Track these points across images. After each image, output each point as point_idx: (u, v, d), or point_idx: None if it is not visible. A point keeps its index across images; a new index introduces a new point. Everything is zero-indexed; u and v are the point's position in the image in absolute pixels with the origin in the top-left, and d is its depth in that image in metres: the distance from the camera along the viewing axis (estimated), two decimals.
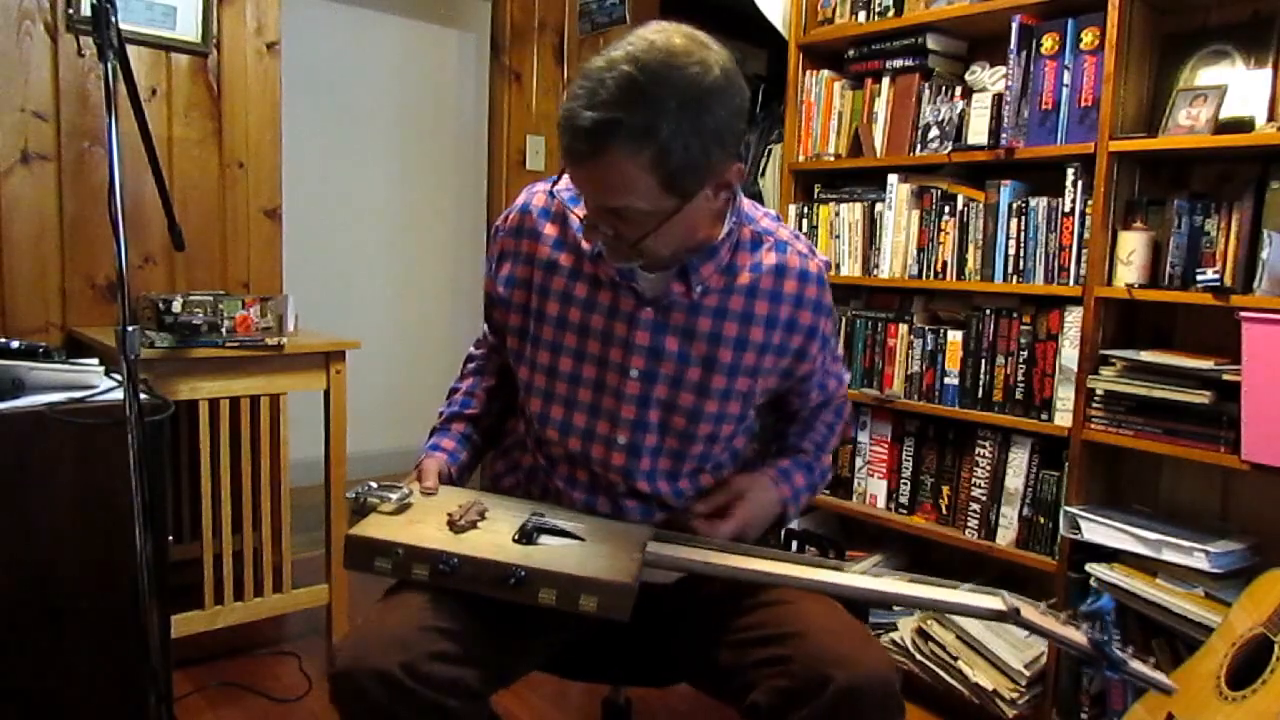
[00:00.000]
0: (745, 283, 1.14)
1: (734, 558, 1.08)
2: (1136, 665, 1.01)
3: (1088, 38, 1.87)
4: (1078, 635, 1.02)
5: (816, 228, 2.40)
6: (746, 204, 1.19)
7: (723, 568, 1.06)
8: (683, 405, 1.15)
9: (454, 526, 1.06)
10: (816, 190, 2.46)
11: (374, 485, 1.11)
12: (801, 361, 1.22)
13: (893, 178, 2.22)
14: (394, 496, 1.11)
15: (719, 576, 1.07)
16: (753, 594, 1.07)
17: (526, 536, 1.05)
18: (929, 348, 2.17)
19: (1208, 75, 1.83)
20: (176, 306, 1.97)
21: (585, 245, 1.12)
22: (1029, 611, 1.03)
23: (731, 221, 1.13)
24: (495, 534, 1.07)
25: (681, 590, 1.14)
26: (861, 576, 1.08)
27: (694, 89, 0.93)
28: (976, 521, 2.09)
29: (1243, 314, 1.60)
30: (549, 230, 1.18)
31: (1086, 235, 1.87)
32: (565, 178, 1.12)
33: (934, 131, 2.16)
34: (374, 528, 1.05)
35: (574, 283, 1.15)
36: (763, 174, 3.17)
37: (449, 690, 0.96)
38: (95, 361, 1.81)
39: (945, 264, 2.13)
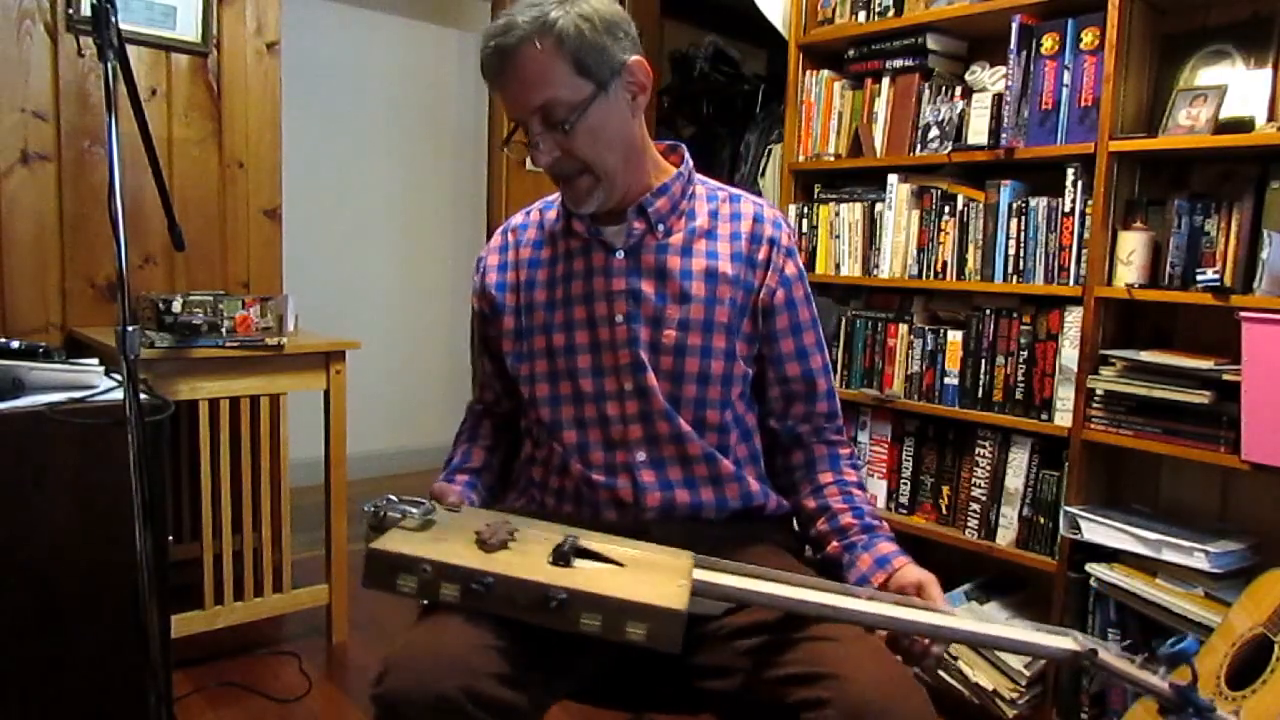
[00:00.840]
0: (704, 225, 1.24)
1: (785, 588, 1.00)
2: (1224, 714, 0.95)
3: (1088, 38, 1.87)
4: (1158, 681, 0.96)
5: (816, 228, 2.40)
6: (710, 180, 1.32)
7: (775, 598, 0.98)
8: (666, 343, 1.18)
9: (484, 545, 0.97)
10: (816, 190, 2.46)
11: (394, 499, 1.03)
12: (772, 309, 1.23)
13: (893, 178, 2.22)
14: (416, 511, 1.02)
15: (770, 607, 1.00)
16: (794, 628, 1.02)
17: (562, 558, 0.96)
18: (929, 348, 2.17)
19: (1208, 75, 1.83)
20: (176, 306, 1.97)
21: (542, 164, 1.16)
22: (1106, 655, 0.97)
23: (684, 168, 1.25)
24: (528, 554, 0.97)
25: (718, 618, 1.09)
26: (920, 612, 1.02)
27: None
28: (976, 521, 2.09)
29: (1243, 314, 1.60)
30: (529, 234, 1.30)
31: (1086, 235, 1.87)
32: (532, 207, 1.31)
33: (934, 131, 2.16)
34: (398, 542, 0.95)
35: (555, 266, 1.24)
36: (763, 174, 3.17)
37: (507, 715, 0.93)
38: (95, 361, 1.81)
39: (945, 264, 2.13)
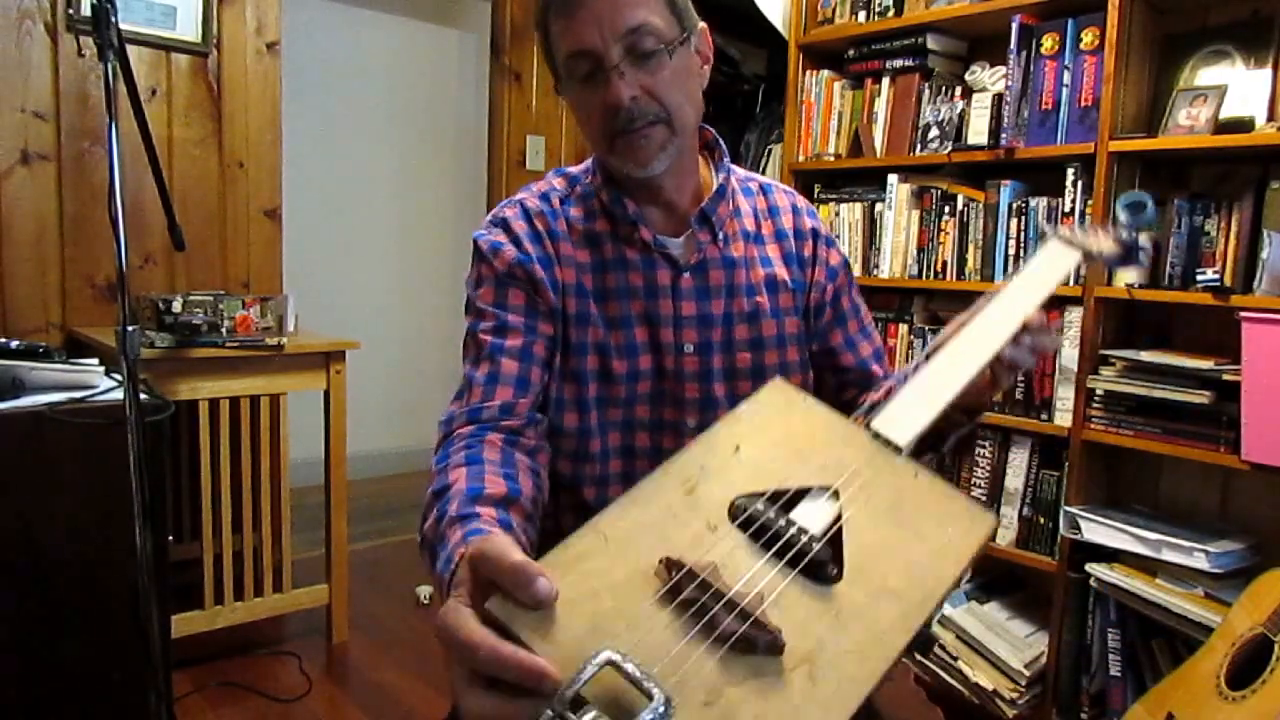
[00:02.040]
0: (751, 227, 1.15)
1: (946, 367, 0.85)
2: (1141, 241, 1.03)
3: (1088, 38, 1.87)
4: (1104, 239, 1.02)
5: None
6: (737, 168, 1.21)
7: (963, 384, 0.84)
8: (741, 368, 1.10)
9: (770, 651, 0.56)
10: (816, 190, 2.46)
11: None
12: (822, 305, 1.16)
13: (893, 178, 2.22)
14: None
15: (955, 397, 0.84)
16: None
17: (815, 569, 0.62)
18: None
19: (1208, 75, 1.83)
20: (176, 306, 1.97)
21: (619, 100, 1.00)
22: (1079, 238, 1.04)
23: (726, 162, 1.15)
24: (788, 596, 0.60)
25: None
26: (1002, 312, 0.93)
27: None
28: None
29: (1243, 314, 1.60)
30: (561, 228, 1.09)
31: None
32: (528, 194, 1.11)
33: (934, 131, 2.16)
34: None
35: (602, 275, 1.07)
36: (763, 174, 3.17)
37: None
38: (95, 361, 1.81)
39: (945, 264, 2.13)
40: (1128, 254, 1.05)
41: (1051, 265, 1.00)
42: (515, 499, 0.86)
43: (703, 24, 1.06)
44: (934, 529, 0.67)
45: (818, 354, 1.18)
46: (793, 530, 0.64)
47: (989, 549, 2.04)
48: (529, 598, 0.55)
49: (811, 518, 0.66)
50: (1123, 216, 1.08)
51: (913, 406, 0.80)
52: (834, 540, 0.65)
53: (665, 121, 1.01)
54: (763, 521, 0.65)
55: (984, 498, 2.07)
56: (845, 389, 1.20)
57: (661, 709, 0.50)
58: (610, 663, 0.52)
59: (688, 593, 0.58)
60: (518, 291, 1.04)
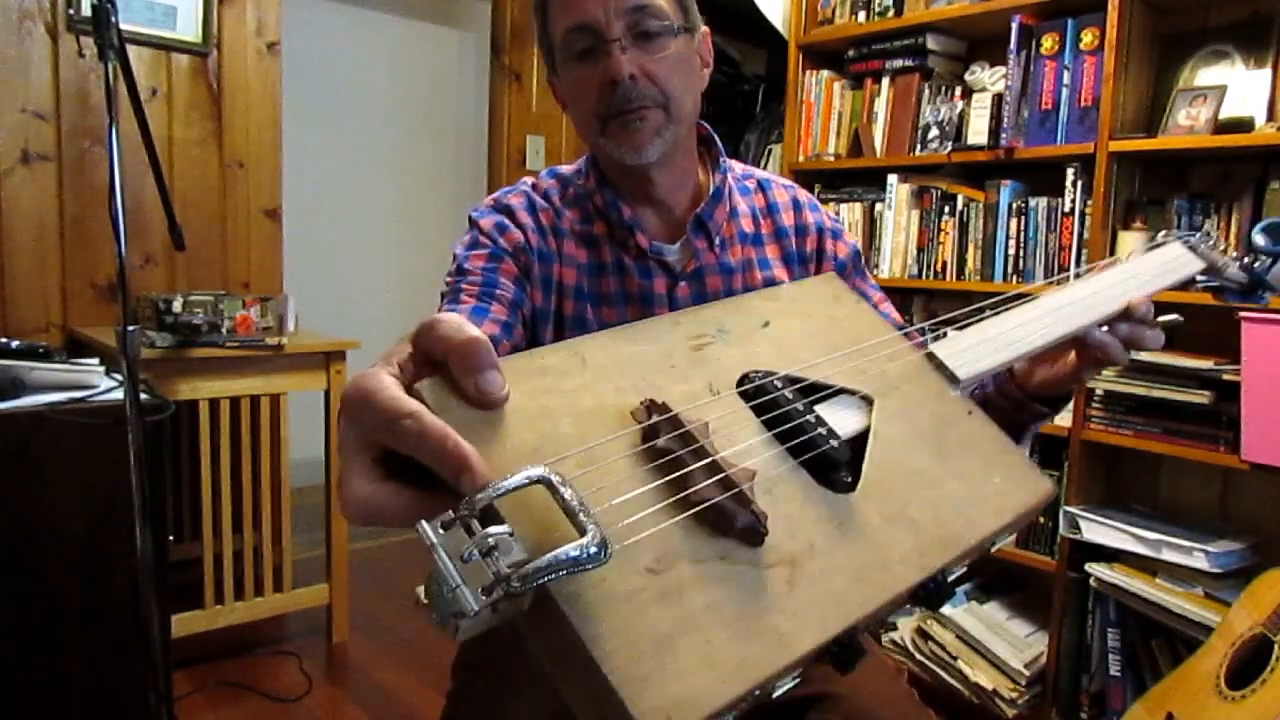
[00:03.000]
0: (749, 229, 1.11)
1: (1023, 323, 0.77)
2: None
3: (1088, 38, 1.87)
4: (1234, 268, 0.92)
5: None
6: (734, 164, 1.17)
7: (1043, 342, 0.77)
8: None
9: (747, 536, 0.47)
10: (816, 190, 2.46)
11: (501, 533, 0.40)
12: (835, 271, 1.12)
13: (892, 178, 2.22)
14: (588, 543, 0.41)
15: (1034, 352, 0.80)
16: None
17: (826, 468, 0.53)
18: None
19: (1207, 75, 1.83)
20: (177, 306, 1.97)
21: (619, 73, 0.96)
22: (1204, 249, 0.93)
23: (724, 164, 1.11)
24: (785, 487, 0.51)
25: None
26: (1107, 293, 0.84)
27: None
28: None
29: (1243, 314, 1.60)
30: (565, 225, 1.06)
31: (1086, 235, 1.87)
32: (530, 188, 1.08)
33: (934, 131, 2.16)
34: (662, 677, 0.41)
35: (597, 278, 1.04)
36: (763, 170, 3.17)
37: None
38: (95, 361, 1.81)
39: (945, 264, 2.13)
40: (1254, 286, 0.92)
41: (1168, 266, 0.89)
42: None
43: (705, 28, 1.04)
44: (979, 473, 0.58)
45: None
46: (810, 418, 0.54)
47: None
48: (474, 385, 0.45)
49: (835, 415, 0.56)
50: (1260, 241, 0.94)
51: (982, 345, 0.70)
52: (856, 447, 0.55)
53: (663, 106, 0.97)
54: (776, 399, 0.54)
55: None
56: None
57: (594, 549, 0.40)
58: (545, 480, 0.42)
59: (664, 441, 0.48)
60: (511, 266, 1.00)
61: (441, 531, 0.39)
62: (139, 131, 1.59)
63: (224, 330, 2.03)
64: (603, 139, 0.99)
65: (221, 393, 2.03)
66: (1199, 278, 0.93)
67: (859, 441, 0.56)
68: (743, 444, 0.51)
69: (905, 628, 2.14)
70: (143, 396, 1.37)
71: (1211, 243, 0.95)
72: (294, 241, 2.73)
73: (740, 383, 0.56)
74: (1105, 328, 0.84)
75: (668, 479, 0.47)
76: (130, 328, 1.29)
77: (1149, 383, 1.75)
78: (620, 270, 1.04)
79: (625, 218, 1.04)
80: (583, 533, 0.40)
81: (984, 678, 1.96)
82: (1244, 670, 1.48)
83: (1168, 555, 1.71)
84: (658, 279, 1.04)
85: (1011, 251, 2.01)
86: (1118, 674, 1.81)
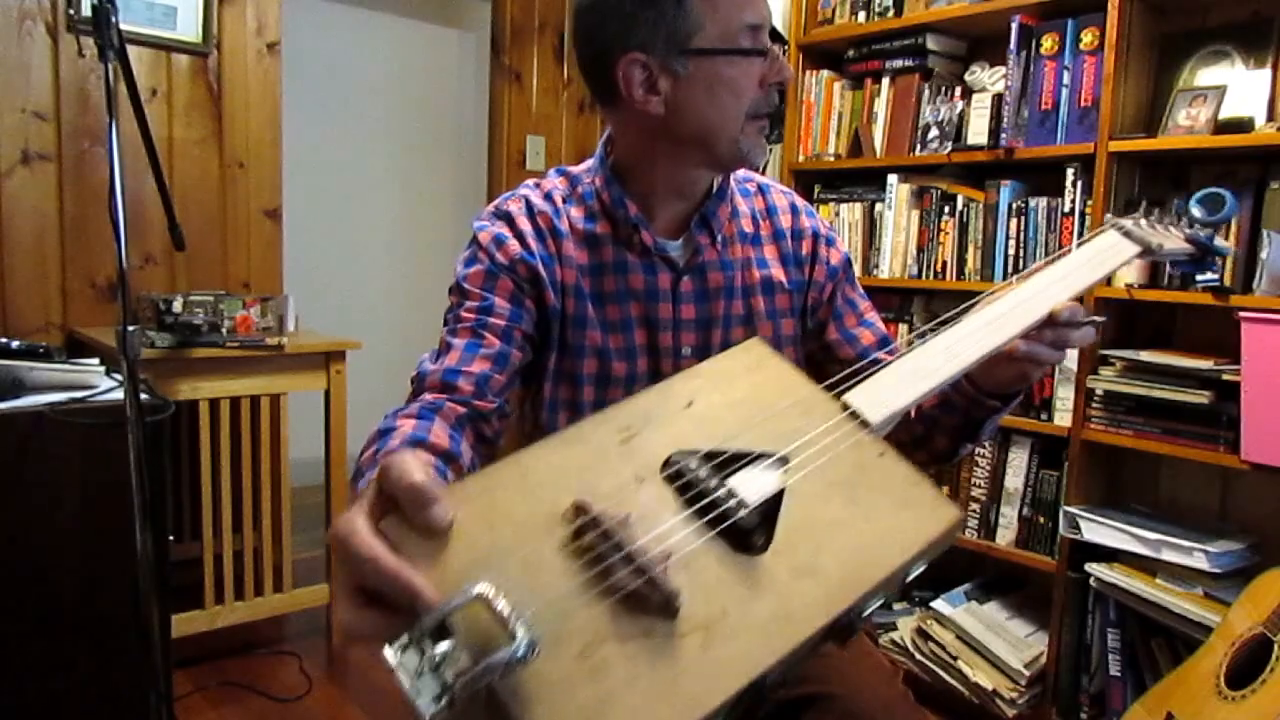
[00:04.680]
0: (749, 229, 1.13)
1: (940, 357, 0.80)
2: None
3: (1087, 38, 1.87)
4: (1179, 239, 0.93)
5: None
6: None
7: (954, 374, 0.79)
8: None
9: (663, 609, 0.54)
10: (816, 190, 2.46)
11: (444, 650, 0.49)
12: (820, 304, 1.15)
13: (892, 178, 2.22)
14: (519, 646, 0.48)
15: (946, 383, 0.81)
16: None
17: (742, 537, 0.59)
18: None
19: (1207, 75, 1.83)
20: (177, 306, 1.97)
21: (791, 76, 1.01)
22: (1140, 230, 0.94)
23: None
24: (701, 557, 0.57)
25: None
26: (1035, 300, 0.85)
27: None
28: (976, 521, 2.09)
29: (1242, 314, 1.60)
30: (563, 226, 1.07)
31: (1086, 235, 1.87)
32: (532, 192, 1.09)
33: (934, 131, 2.16)
34: None
35: (600, 277, 1.06)
36: (762, 174, 3.17)
37: None
38: (95, 361, 1.81)
39: (945, 264, 2.13)
40: (1202, 254, 0.93)
41: (1102, 256, 0.91)
42: (456, 457, 0.86)
43: None
44: (888, 512, 0.63)
45: (818, 351, 1.16)
46: (721, 492, 0.60)
47: (989, 549, 2.04)
48: (421, 521, 0.54)
49: (750, 483, 0.62)
50: (1196, 211, 0.97)
51: (894, 385, 0.75)
52: (769, 509, 0.60)
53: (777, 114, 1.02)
54: (690, 479, 0.61)
55: (984, 497, 2.07)
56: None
57: (520, 652, 0.48)
58: (480, 596, 0.50)
59: (588, 539, 0.55)
60: (507, 283, 1.02)
61: (400, 654, 0.49)
62: (139, 131, 1.59)
63: (224, 330, 2.03)
64: (742, 137, 1.00)
65: (221, 393, 2.03)
66: (1146, 258, 0.96)
67: (775, 502, 0.61)
68: (664, 525, 0.58)
69: (905, 628, 2.14)
70: (143, 396, 1.37)
71: (1152, 220, 0.97)
72: (294, 241, 2.73)
73: (664, 466, 0.62)
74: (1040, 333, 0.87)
75: (593, 572, 0.54)
76: (130, 328, 1.30)
77: (1149, 383, 1.75)
78: (623, 268, 1.06)
79: (631, 215, 1.05)
80: (513, 639, 0.48)
81: (984, 678, 1.96)
82: (1244, 670, 1.48)
83: (1168, 555, 1.71)
84: (661, 274, 1.06)
85: (1011, 251, 2.01)
86: (1118, 674, 1.81)
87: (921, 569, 0.64)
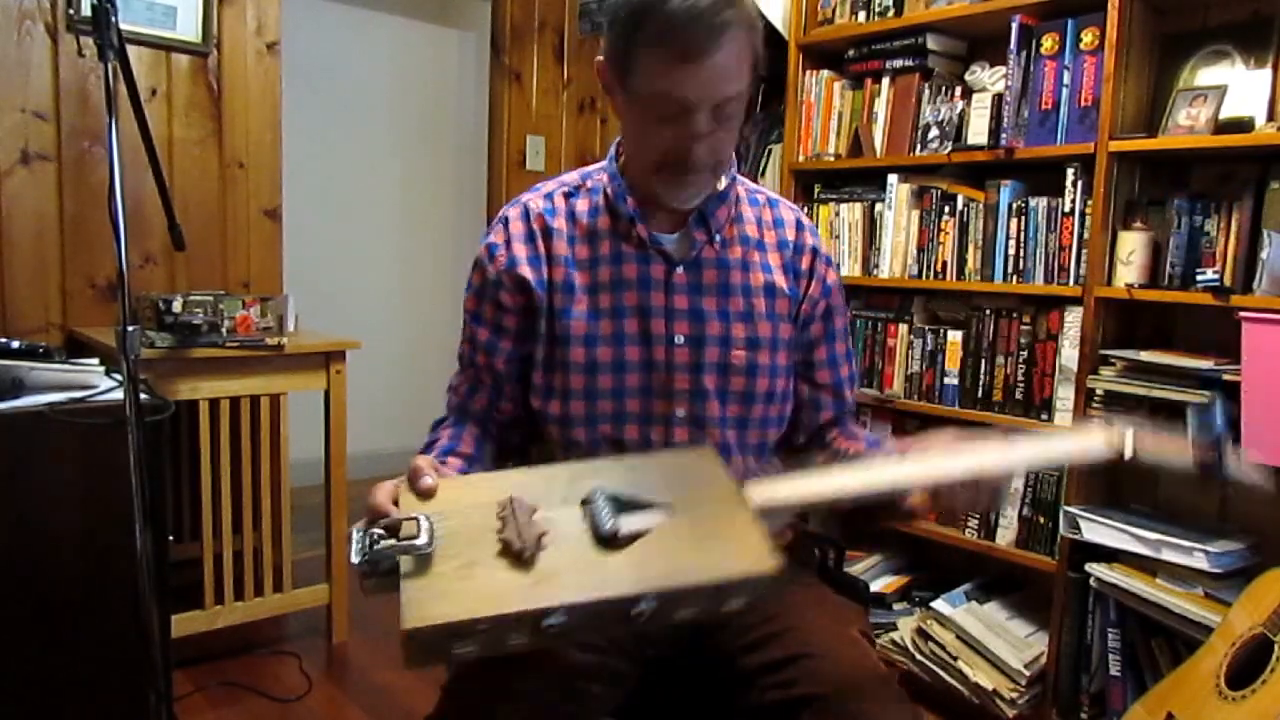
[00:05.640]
0: (754, 234, 1.18)
1: (839, 476, 0.92)
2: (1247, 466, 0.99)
3: (1088, 38, 1.87)
4: (1187, 458, 0.97)
5: (816, 228, 2.40)
6: (745, 179, 1.24)
7: (838, 490, 0.91)
8: (736, 364, 1.12)
9: (520, 557, 0.80)
10: (816, 190, 2.46)
11: (377, 533, 0.83)
12: (812, 317, 1.19)
13: (893, 178, 2.22)
14: (419, 541, 0.81)
15: (835, 500, 0.93)
16: (768, 617, 1.01)
17: (610, 538, 0.83)
18: (929, 348, 2.17)
19: (1208, 75, 1.83)
20: (177, 306, 1.97)
21: (693, 157, 1.03)
22: (1144, 441, 0.96)
23: (733, 169, 1.17)
24: (572, 544, 0.83)
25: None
26: (968, 457, 0.94)
27: None
28: (976, 521, 2.09)
29: (1243, 314, 1.60)
30: (560, 225, 1.14)
31: (1086, 235, 1.87)
32: (535, 194, 1.17)
33: (934, 131, 2.16)
34: (432, 604, 0.76)
35: (597, 270, 1.12)
36: (762, 174, 3.17)
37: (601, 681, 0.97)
38: (95, 361, 1.81)
39: (945, 264, 2.13)
40: (1210, 467, 0.97)
41: (1067, 447, 0.98)
42: (479, 460, 1.12)
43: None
44: (714, 553, 0.82)
45: (800, 364, 1.21)
46: (603, 513, 0.84)
47: (989, 549, 2.04)
48: (415, 488, 0.90)
49: (632, 519, 0.85)
50: (1192, 427, 1.01)
51: (792, 486, 0.92)
52: (635, 536, 0.83)
53: (713, 169, 1.07)
54: (594, 505, 0.86)
55: None
56: (818, 408, 1.23)
57: (420, 545, 0.81)
58: (414, 517, 0.84)
59: (504, 514, 0.85)
60: (490, 308, 1.15)
61: (357, 532, 0.85)
62: (139, 131, 1.59)
63: (224, 330, 2.03)
64: (655, 179, 1.07)
65: (221, 393, 2.03)
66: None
67: (639, 534, 0.83)
68: (559, 523, 0.85)
69: (905, 628, 2.14)
70: (143, 396, 1.37)
71: (1153, 428, 1.00)
72: (294, 241, 2.73)
73: (585, 499, 0.87)
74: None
75: (495, 530, 0.83)
76: (130, 328, 1.29)
77: (1149, 383, 1.75)
78: (619, 259, 1.12)
79: (630, 209, 1.11)
80: (420, 537, 0.81)
81: (984, 678, 1.96)
82: (1244, 670, 1.48)
83: (1168, 555, 1.71)
84: (655, 265, 1.11)
85: (1011, 251, 2.01)
86: (1118, 674, 1.81)
87: (739, 602, 0.81)
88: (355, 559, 0.83)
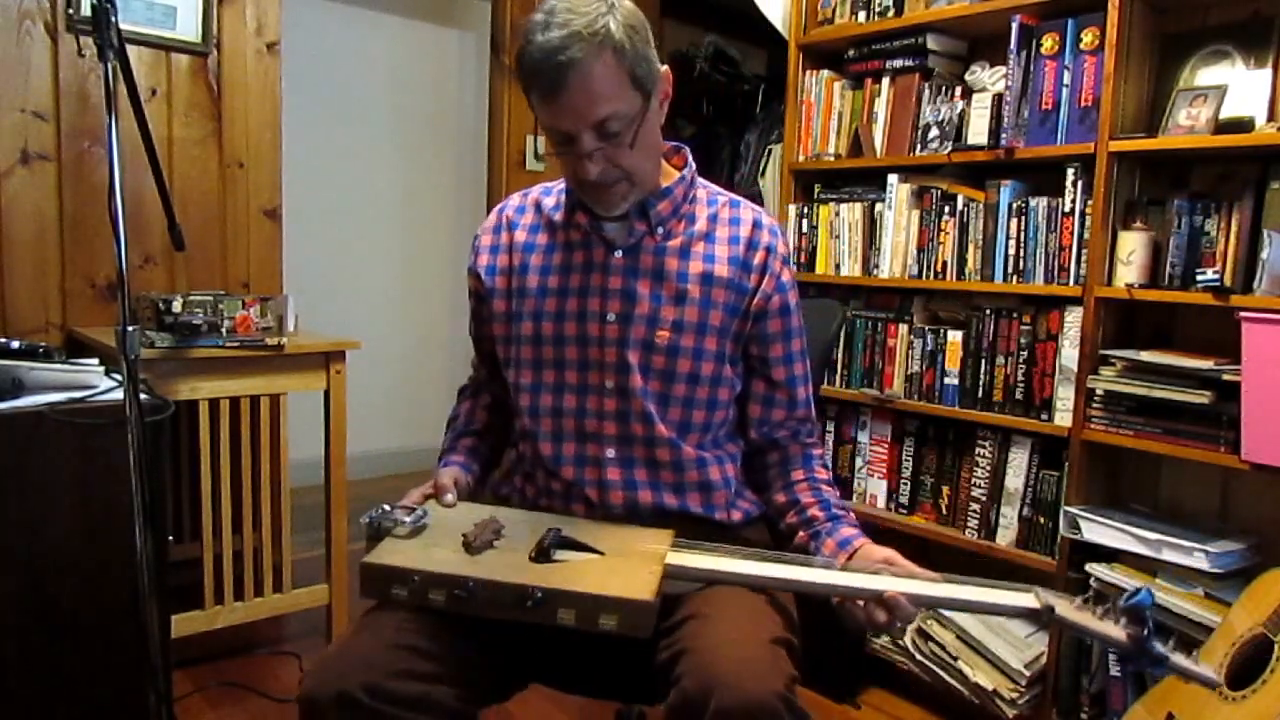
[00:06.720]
0: (703, 229, 1.26)
1: (754, 565, 1.09)
2: (1179, 660, 0.99)
3: (1088, 38, 1.87)
4: (1116, 631, 0.99)
5: (816, 228, 2.40)
6: (713, 185, 1.33)
7: (744, 576, 1.08)
8: (659, 343, 1.21)
9: (469, 548, 1.07)
10: (816, 190, 2.46)
11: (388, 508, 1.13)
12: (765, 313, 1.25)
13: (893, 178, 2.22)
14: (409, 520, 1.11)
15: (740, 584, 1.09)
16: (676, 609, 1.08)
17: (544, 554, 1.05)
18: (929, 348, 2.17)
19: (1208, 75, 1.83)
20: (176, 306, 1.97)
21: (588, 176, 1.14)
22: (1065, 608, 1.01)
23: (687, 171, 1.28)
24: (513, 553, 1.07)
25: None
26: (886, 579, 1.07)
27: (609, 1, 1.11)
28: (976, 521, 2.09)
29: (1243, 314, 1.60)
30: (525, 219, 1.31)
31: (1086, 235, 1.87)
32: (522, 193, 1.34)
33: (934, 131, 2.16)
34: (389, 554, 1.05)
35: (551, 254, 1.26)
36: (763, 174, 3.17)
37: (417, 706, 0.99)
38: (95, 361, 1.81)
39: (945, 264, 2.13)
40: (1138, 652, 0.98)
41: (995, 600, 1.07)
42: (483, 431, 1.39)
43: (665, 68, 1.17)
44: (609, 580, 1.01)
45: (755, 358, 1.29)
46: (546, 541, 1.08)
47: (989, 549, 2.04)
48: (441, 501, 1.20)
49: (567, 553, 1.08)
50: (1124, 620, 1.00)
51: (707, 561, 1.09)
52: (559, 560, 1.06)
53: (628, 179, 1.17)
54: (548, 543, 1.07)
55: (984, 498, 2.07)
56: (770, 405, 1.30)
57: (413, 521, 1.11)
58: (423, 508, 1.15)
59: (476, 527, 1.11)
60: (474, 296, 1.35)
61: (376, 510, 1.13)
62: (139, 131, 1.59)
63: (224, 330, 2.03)
64: (580, 193, 1.22)
65: (221, 393, 2.03)
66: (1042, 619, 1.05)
67: (571, 562, 1.07)
68: (515, 542, 1.10)
69: (905, 628, 2.14)
70: (143, 396, 1.37)
71: (1090, 604, 1.03)
72: (294, 241, 2.73)
73: (545, 533, 1.10)
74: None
75: (471, 533, 1.10)
76: (130, 328, 1.29)
77: (1149, 383, 1.75)
78: (569, 245, 1.26)
79: (574, 200, 1.25)
80: (414, 516, 1.13)
81: (984, 678, 1.96)
82: (1244, 670, 1.48)
83: (1168, 555, 1.71)
84: (596, 249, 1.24)
85: (1012, 251, 2.01)
86: (1118, 674, 1.81)
87: (611, 622, 0.98)
88: (364, 519, 1.11)
